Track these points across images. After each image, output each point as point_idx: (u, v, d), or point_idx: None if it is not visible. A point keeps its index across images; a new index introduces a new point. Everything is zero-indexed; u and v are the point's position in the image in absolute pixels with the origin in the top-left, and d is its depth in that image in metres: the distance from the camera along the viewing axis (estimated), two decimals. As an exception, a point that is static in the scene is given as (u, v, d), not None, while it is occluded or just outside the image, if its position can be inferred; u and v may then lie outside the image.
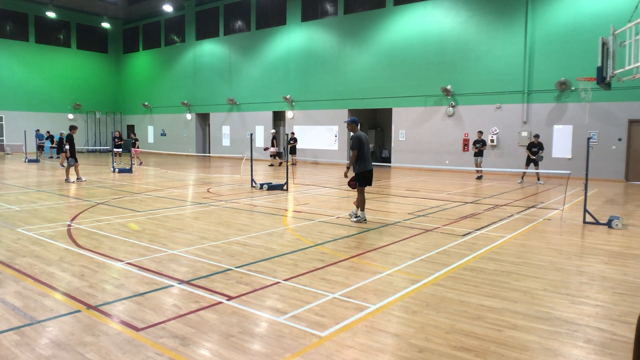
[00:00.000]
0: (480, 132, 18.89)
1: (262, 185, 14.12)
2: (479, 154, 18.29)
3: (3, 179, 16.67)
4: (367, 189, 9.24)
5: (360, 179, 8.89)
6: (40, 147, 29.43)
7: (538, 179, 16.99)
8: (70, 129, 15.96)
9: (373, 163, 9.21)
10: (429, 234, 8.02)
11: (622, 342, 3.90)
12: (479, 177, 18.81)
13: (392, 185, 16.26)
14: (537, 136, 16.58)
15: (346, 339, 3.90)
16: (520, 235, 8.07)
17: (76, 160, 15.81)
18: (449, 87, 21.66)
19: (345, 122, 9.25)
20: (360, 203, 8.96)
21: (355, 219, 9.01)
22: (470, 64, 21.32)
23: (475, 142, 18.47)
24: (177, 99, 34.93)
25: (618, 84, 13.12)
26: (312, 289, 5.09)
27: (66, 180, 15.67)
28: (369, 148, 8.99)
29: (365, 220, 8.97)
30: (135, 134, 25.96)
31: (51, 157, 29.55)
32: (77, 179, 15.93)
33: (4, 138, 33.07)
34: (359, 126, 9.12)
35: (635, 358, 2.07)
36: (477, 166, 18.11)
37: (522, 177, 17.46)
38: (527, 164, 16.46)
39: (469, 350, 3.72)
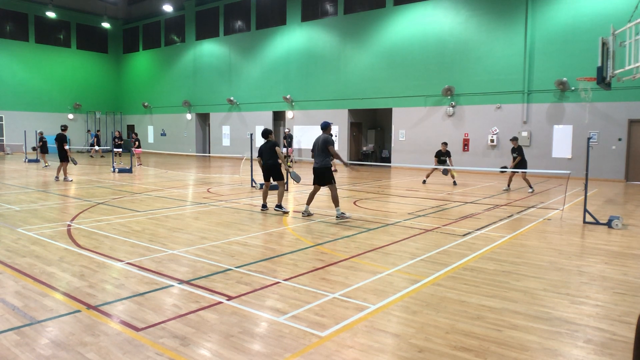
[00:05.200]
0: (445, 144, 16.44)
1: (262, 185, 14.12)
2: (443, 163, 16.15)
3: (3, 179, 16.67)
4: (363, 188, 9.41)
5: None
6: (92, 146, 30.01)
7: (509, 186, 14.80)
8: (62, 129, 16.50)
9: (373, 163, 9.44)
10: (429, 234, 8.02)
11: (622, 342, 3.90)
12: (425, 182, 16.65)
13: (392, 185, 16.26)
14: (515, 139, 14.41)
15: (346, 339, 3.90)
16: (520, 235, 8.07)
17: (61, 160, 16.06)
18: (450, 87, 21.65)
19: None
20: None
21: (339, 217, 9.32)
22: (470, 64, 21.32)
23: (439, 155, 16.21)
24: (177, 99, 34.93)
25: (618, 84, 13.12)
26: (312, 289, 5.09)
27: (65, 179, 15.91)
28: (316, 146, 9.45)
29: (305, 213, 9.56)
30: (136, 134, 25.81)
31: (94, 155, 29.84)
32: (65, 178, 16.11)
33: (4, 138, 33.06)
34: (328, 129, 9.57)
35: (635, 358, 2.07)
36: (429, 174, 16.77)
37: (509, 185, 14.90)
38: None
39: (469, 350, 3.72)
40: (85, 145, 37.09)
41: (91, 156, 31.36)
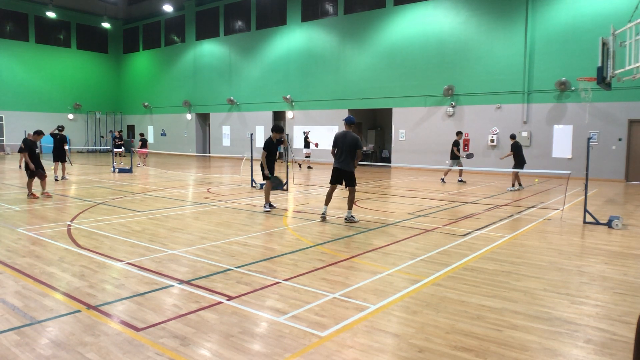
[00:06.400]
0: (460, 133, 17.05)
1: (262, 185, 14.11)
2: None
3: (3, 179, 16.66)
4: (363, 188, 9.33)
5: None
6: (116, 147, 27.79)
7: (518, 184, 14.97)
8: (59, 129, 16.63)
9: (373, 163, 9.32)
10: (429, 234, 8.02)
11: (622, 342, 3.90)
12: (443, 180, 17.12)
13: (392, 185, 16.26)
14: (511, 136, 15.09)
15: (346, 339, 3.90)
16: (520, 235, 8.07)
17: (60, 161, 16.30)
18: (451, 86, 21.64)
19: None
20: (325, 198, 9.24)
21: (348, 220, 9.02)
22: (470, 64, 21.33)
23: (457, 145, 16.65)
24: (177, 99, 34.93)
25: (618, 84, 13.12)
26: (312, 289, 5.09)
27: (62, 177, 16.22)
28: (343, 145, 8.80)
29: (323, 216, 9.12)
30: (142, 134, 25.50)
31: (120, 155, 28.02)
32: (62, 177, 16.40)
33: (4, 138, 33.06)
34: (350, 126, 9.01)
35: (636, 358, 2.07)
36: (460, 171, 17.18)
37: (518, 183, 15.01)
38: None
39: (469, 350, 3.72)
40: (85, 145, 37.15)
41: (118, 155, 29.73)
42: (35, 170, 11.71)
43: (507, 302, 4.77)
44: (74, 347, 3.70)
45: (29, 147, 11.80)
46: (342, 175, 8.92)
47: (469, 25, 21.32)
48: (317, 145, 22.42)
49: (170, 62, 35.64)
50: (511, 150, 14.78)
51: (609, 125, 18.07)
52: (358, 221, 9.03)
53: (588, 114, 18.33)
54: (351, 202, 8.98)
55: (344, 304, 4.66)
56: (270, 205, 10.33)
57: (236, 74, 31.06)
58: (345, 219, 9.02)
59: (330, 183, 9.12)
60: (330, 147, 9.21)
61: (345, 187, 9.02)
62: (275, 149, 10.19)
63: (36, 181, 12.37)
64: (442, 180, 17.07)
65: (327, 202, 9.18)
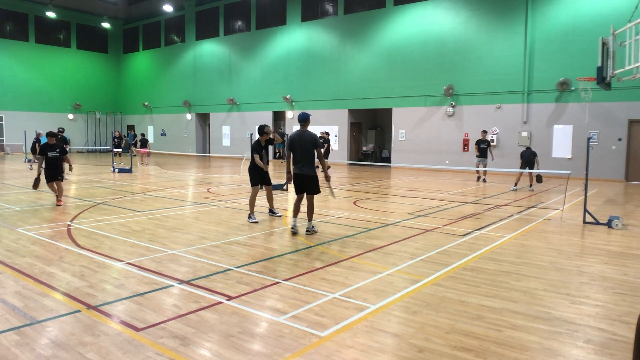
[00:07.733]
0: (485, 132, 17.49)
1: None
2: (482, 155, 16.87)
3: (3, 179, 16.66)
4: (363, 188, 9.11)
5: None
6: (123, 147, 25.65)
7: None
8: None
9: (373, 163, 9.05)
10: (429, 234, 8.01)
11: (622, 342, 3.90)
12: (480, 179, 17.49)
13: (392, 185, 16.26)
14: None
15: (346, 339, 3.90)
16: (520, 235, 8.07)
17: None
18: (451, 86, 21.64)
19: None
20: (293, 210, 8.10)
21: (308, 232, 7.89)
22: (470, 64, 21.32)
23: (480, 143, 16.84)
24: (177, 99, 34.92)
25: (618, 84, 13.12)
26: (312, 289, 5.09)
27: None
28: (300, 146, 7.70)
29: (293, 229, 7.92)
30: (143, 134, 25.41)
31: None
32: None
33: (4, 138, 33.05)
34: (305, 124, 7.87)
35: (635, 358, 2.07)
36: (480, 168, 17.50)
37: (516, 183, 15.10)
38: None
39: (469, 350, 3.72)
40: (85, 145, 37.18)
41: (134, 155, 25.90)
42: (38, 176, 10.94)
43: (507, 302, 4.77)
44: (74, 347, 3.70)
45: (42, 151, 11.03)
46: (307, 181, 7.77)
47: (469, 25, 21.32)
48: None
49: (170, 62, 35.63)
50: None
51: (609, 125, 18.07)
52: (317, 232, 8.05)
53: (588, 114, 18.33)
54: (311, 211, 7.87)
55: (344, 304, 4.66)
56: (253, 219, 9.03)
57: (236, 74, 31.06)
58: (307, 230, 7.84)
59: (297, 193, 7.97)
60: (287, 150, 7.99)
61: (310, 193, 7.88)
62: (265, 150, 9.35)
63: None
64: (483, 179, 17.39)
65: (295, 213, 8.08)
